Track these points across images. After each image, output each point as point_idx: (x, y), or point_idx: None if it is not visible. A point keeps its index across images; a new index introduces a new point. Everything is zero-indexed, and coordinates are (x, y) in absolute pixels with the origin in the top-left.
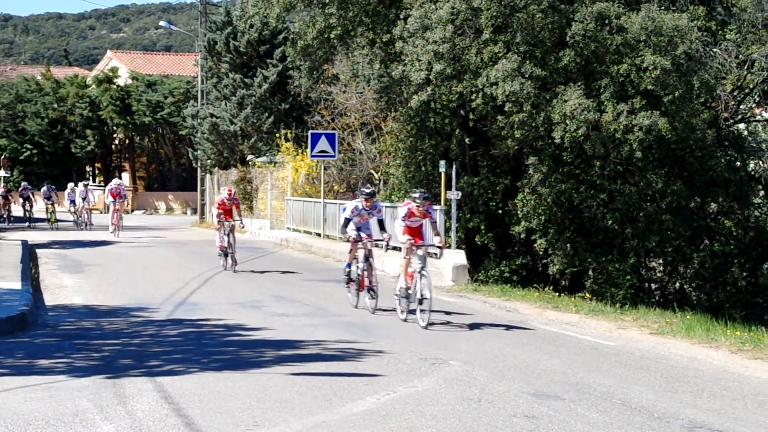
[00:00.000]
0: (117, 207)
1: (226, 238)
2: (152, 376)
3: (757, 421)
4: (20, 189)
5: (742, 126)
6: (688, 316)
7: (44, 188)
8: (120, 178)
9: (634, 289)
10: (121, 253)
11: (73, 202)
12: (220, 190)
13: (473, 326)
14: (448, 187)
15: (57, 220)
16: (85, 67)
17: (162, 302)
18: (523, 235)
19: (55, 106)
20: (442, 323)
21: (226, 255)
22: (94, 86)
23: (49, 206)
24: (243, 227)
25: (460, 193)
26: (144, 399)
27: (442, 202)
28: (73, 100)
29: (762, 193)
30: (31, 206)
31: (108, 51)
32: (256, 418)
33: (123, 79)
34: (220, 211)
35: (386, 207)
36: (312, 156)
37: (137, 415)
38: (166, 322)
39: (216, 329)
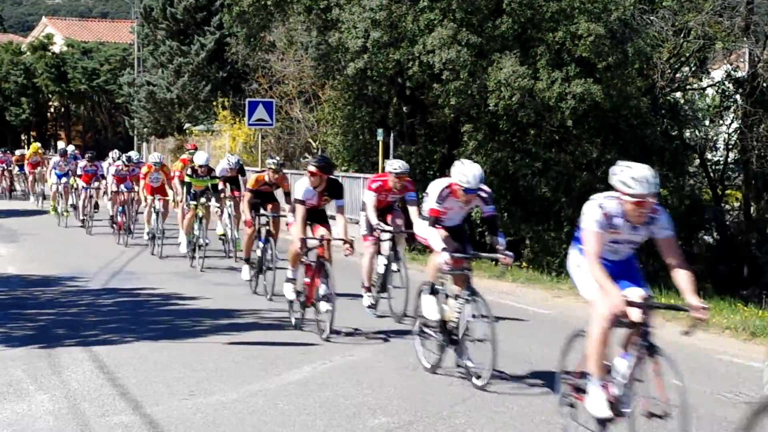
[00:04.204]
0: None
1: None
2: (87, 345)
3: (689, 388)
4: None
5: (678, 94)
6: None
7: None
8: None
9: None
10: (57, 223)
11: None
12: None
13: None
14: (386, 156)
15: None
16: (20, 33)
17: (98, 271)
18: None
19: None
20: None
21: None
22: (28, 53)
23: None
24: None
25: None
26: (79, 369)
27: (380, 171)
28: (7, 68)
29: (697, 161)
30: None
31: (43, 17)
32: (191, 387)
33: (58, 46)
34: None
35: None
36: (249, 124)
37: (72, 385)
38: (101, 291)
39: (152, 298)
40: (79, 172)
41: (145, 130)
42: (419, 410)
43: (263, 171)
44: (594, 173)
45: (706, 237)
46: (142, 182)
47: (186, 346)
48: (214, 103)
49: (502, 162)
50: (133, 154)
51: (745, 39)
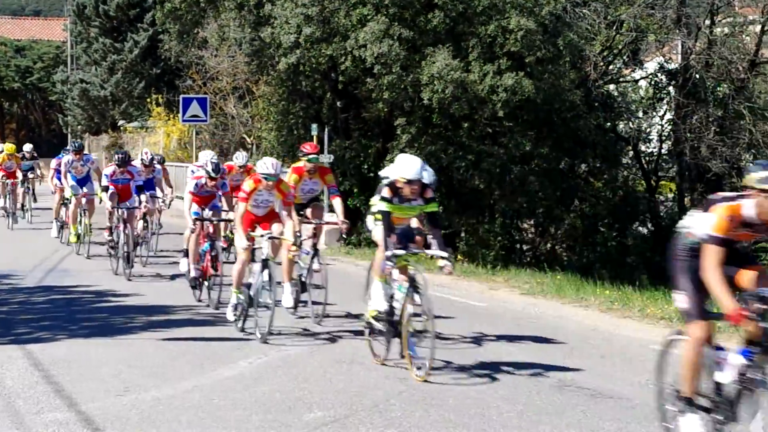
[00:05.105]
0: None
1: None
2: (21, 343)
3: (625, 378)
4: None
5: (611, 87)
6: (558, 277)
7: None
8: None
9: (505, 251)
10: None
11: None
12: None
13: (346, 290)
14: (320, 151)
15: None
16: None
17: (32, 269)
18: None
19: None
20: (315, 288)
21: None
22: None
23: None
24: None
25: (332, 157)
26: (13, 366)
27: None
28: None
29: (631, 153)
30: None
31: None
32: (126, 383)
33: None
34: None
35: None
36: (183, 121)
37: (6, 383)
38: (35, 289)
39: (86, 296)
40: (104, 182)
41: (79, 127)
42: (355, 404)
43: (740, 197)
44: (527, 166)
45: (640, 228)
46: (241, 206)
47: (120, 343)
48: (148, 100)
49: (435, 155)
50: (209, 154)
51: (677, 31)
